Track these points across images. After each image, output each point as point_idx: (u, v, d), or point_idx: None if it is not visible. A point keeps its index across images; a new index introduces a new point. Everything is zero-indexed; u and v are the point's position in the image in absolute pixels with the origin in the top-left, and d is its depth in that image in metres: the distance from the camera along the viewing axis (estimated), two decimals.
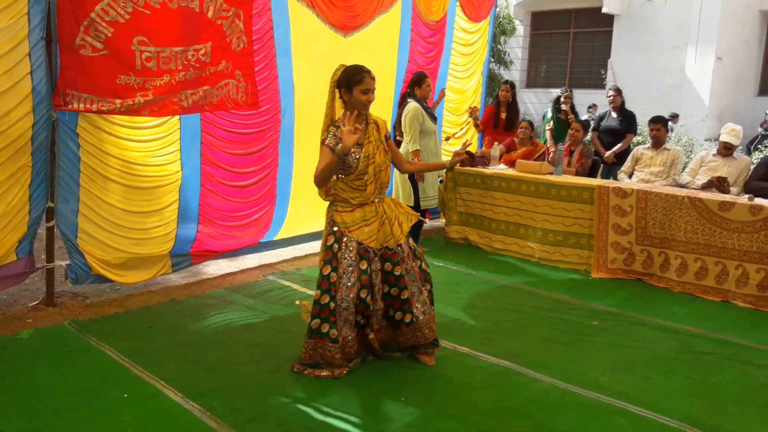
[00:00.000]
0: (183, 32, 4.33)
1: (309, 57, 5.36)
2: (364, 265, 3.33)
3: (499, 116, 7.02)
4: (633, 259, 5.30)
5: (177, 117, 4.53)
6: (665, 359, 3.72)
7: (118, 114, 4.16)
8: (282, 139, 5.31)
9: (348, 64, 3.36)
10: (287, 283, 4.92)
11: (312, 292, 4.61)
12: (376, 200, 3.41)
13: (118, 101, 4.09)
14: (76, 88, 3.98)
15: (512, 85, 7.11)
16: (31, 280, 4.42)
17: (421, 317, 3.48)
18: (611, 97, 7.17)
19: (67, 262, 4.25)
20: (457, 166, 6.34)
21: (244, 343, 3.74)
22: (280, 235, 5.60)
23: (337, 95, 3.37)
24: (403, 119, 5.58)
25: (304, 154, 5.39)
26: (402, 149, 5.38)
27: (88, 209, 4.22)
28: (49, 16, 3.85)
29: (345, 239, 3.32)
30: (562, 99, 7.16)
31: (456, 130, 7.41)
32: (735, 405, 3.18)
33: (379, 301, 3.44)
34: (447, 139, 7.21)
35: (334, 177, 3.40)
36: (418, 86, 5.61)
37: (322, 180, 3.30)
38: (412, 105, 5.55)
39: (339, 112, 3.39)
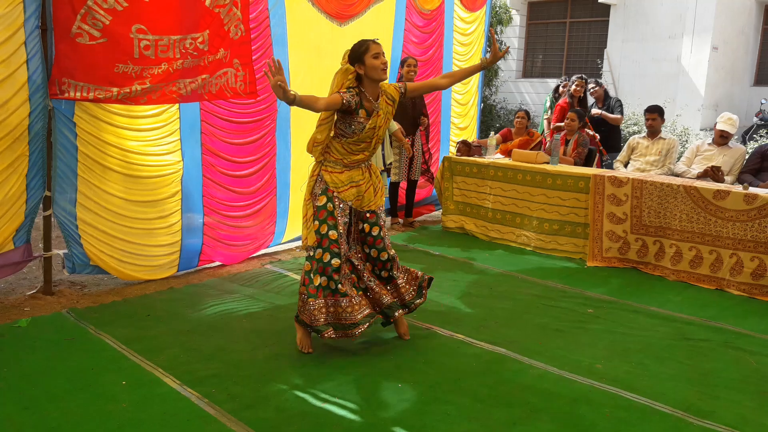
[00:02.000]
0: (181, 20, 4.31)
1: (305, 46, 5.35)
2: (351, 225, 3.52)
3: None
4: (628, 248, 5.33)
5: (176, 106, 4.52)
6: (659, 346, 3.76)
7: (115, 102, 4.15)
8: (279, 128, 5.31)
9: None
10: (284, 272, 4.94)
11: None
12: (364, 165, 3.55)
13: (115, 89, 4.08)
14: (73, 76, 3.97)
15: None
16: (28, 269, 4.43)
17: (401, 277, 3.68)
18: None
19: (65, 251, 4.26)
20: (454, 155, 6.43)
21: (242, 331, 3.76)
22: (289, 231, 5.62)
23: (348, 74, 3.40)
24: None
25: (302, 144, 5.39)
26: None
27: (87, 199, 4.22)
28: (44, 4, 3.84)
29: (336, 199, 3.43)
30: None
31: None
32: (728, 390, 3.22)
33: (362, 261, 3.60)
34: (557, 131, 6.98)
35: (332, 134, 3.48)
36: (401, 66, 5.67)
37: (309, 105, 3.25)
38: None
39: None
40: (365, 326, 3.42)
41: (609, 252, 5.42)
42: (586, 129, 6.56)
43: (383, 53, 3.40)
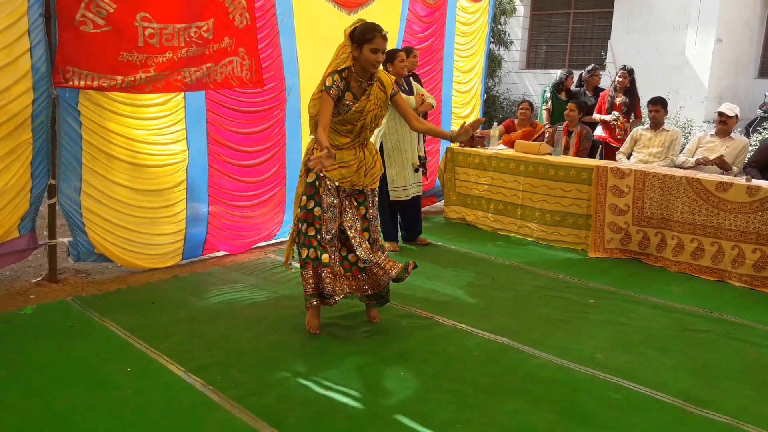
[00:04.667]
0: (185, 8, 4.31)
1: (313, 34, 5.33)
2: (339, 204, 3.53)
3: (614, 101, 6.84)
4: (629, 239, 5.34)
5: (181, 95, 4.52)
6: (660, 336, 3.78)
7: (119, 91, 4.15)
8: (289, 119, 5.29)
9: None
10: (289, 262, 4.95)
11: None
12: (357, 146, 3.56)
13: (119, 78, 4.08)
14: (77, 65, 3.97)
15: (630, 71, 6.87)
16: (34, 257, 4.45)
17: (379, 263, 3.56)
18: (620, 78, 6.99)
19: (70, 239, 4.28)
20: (457, 146, 6.42)
21: (246, 319, 3.79)
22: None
23: (345, 52, 3.42)
24: None
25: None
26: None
27: (91, 187, 4.23)
28: None
29: (325, 178, 3.46)
30: (618, 79, 6.87)
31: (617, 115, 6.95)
32: (728, 381, 3.24)
33: (362, 239, 3.58)
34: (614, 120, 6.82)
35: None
36: (390, 63, 5.13)
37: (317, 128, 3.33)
38: None
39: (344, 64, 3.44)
40: (341, 297, 3.53)
41: (611, 243, 5.43)
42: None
43: (383, 51, 3.39)
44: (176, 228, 4.69)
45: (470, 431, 2.67)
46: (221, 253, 5.07)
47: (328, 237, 3.47)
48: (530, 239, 5.87)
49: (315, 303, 3.52)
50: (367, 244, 3.58)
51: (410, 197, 5.36)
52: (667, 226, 5.14)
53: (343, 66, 3.42)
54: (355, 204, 3.63)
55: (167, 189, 4.59)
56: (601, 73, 7.62)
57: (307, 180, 3.51)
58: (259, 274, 4.65)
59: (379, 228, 3.77)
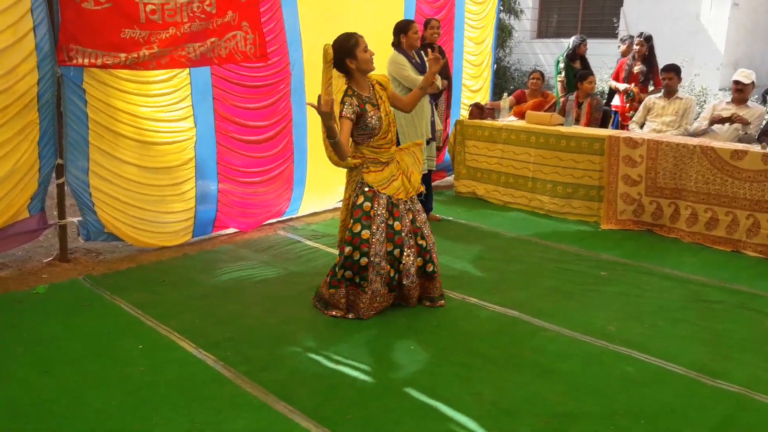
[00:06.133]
0: None
1: (315, 7, 5.25)
2: (391, 221, 3.49)
3: (632, 70, 6.70)
4: (642, 210, 5.28)
5: (186, 71, 4.49)
6: (673, 308, 3.74)
7: (123, 68, 4.13)
8: (293, 92, 5.24)
9: (328, 44, 3.34)
10: (297, 238, 4.95)
11: (319, 245, 4.69)
12: (395, 155, 3.58)
13: (123, 55, 4.06)
14: (80, 42, 3.95)
15: (647, 39, 6.64)
16: (45, 237, 4.48)
17: (437, 269, 3.65)
18: (638, 47, 6.87)
19: (79, 218, 4.29)
20: (466, 118, 6.34)
21: (256, 296, 3.80)
22: (305, 201, 5.59)
23: (336, 73, 3.39)
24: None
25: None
26: None
27: (99, 166, 4.23)
28: None
29: (377, 197, 3.43)
30: (636, 48, 6.71)
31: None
32: (742, 352, 3.21)
33: (415, 256, 3.57)
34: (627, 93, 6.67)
35: (352, 143, 3.47)
36: (403, 33, 4.94)
37: (342, 154, 3.31)
38: (391, 55, 4.98)
39: (336, 86, 3.42)
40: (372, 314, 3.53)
41: (623, 214, 5.37)
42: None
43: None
44: (186, 206, 4.69)
45: (480, 404, 2.67)
46: (231, 230, 5.07)
47: (376, 260, 3.43)
48: (541, 212, 5.82)
49: (338, 315, 3.50)
50: (414, 269, 3.57)
51: (425, 171, 5.14)
52: (681, 196, 5.07)
53: (344, 88, 3.40)
54: (405, 214, 3.55)
55: (175, 167, 4.58)
56: (589, 42, 7.41)
57: (356, 203, 3.46)
58: (268, 251, 4.65)
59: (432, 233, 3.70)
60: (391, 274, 3.52)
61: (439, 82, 5.20)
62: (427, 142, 5.19)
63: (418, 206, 3.63)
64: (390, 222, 3.49)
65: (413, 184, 3.61)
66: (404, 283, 3.54)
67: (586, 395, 2.76)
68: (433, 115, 5.25)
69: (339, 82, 3.42)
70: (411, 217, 3.57)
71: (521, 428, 2.51)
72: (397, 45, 5.00)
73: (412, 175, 3.63)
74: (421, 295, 3.69)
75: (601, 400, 2.73)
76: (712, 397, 2.77)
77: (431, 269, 3.61)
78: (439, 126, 5.46)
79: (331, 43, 3.35)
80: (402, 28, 4.93)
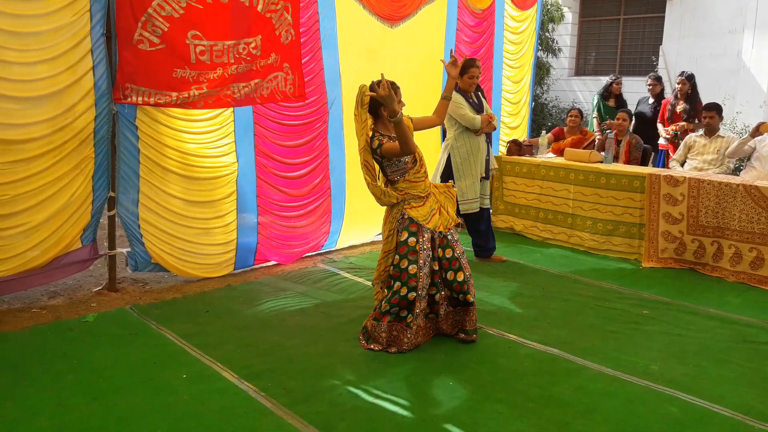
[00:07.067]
0: (234, 26, 4.45)
1: (355, 48, 5.42)
2: (437, 252, 3.58)
3: (675, 110, 6.71)
4: (684, 249, 5.20)
5: (231, 109, 4.66)
6: (718, 348, 3.67)
7: (174, 107, 4.31)
8: (331, 130, 5.38)
9: (365, 85, 3.47)
10: (336, 271, 5.02)
11: (357, 278, 4.74)
12: (430, 189, 3.66)
13: (174, 94, 4.24)
14: (135, 81, 4.14)
15: (690, 77, 6.67)
16: (94, 267, 4.63)
17: (473, 300, 3.68)
18: (650, 86, 7.04)
19: (128, 249, 4.44)
20: (505, 155, 6.37)
21: (296, 327, 3.85)
22: (343, 234, 5.69)
23: (369, 118, 3.54)
24: None
25: (355, 146, 5.45)
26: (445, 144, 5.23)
27: (148, 199, 4.39)
28: (108, 12, 4.02)
29: (421, 232, 3.51)
30: (678, 86, 6.75)
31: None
32: None
33: (443, 287, 3.64)
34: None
35: (389, 183, 3.58)
36: (460, 77, 5.05)
37: (408, 138, 3.38)
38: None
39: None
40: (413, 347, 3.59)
41: (665, 253, 5.30)
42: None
43: None
44: (228, 238, 4.81)
45: None
46: (272, 263, 5.17)
47: (422, 293, 3.52)
48: (581, 249, 5.77)
49: (377, 349, 3.56)
50: (452, 310, 3.70)
51: (479, 209, 5.19)
52: (724, 234, 4.99)
53: (371, 133, 3.53)
54: (441, 250, 3.61)
55: (218, 200, 4.72)
56: (623, 80, 7.45)
57: (400, 239, 3.54)
58: (308, 283, 4.73)
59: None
60: (426, 311, 3.60)
61: (495, 122, 5.21)
62: (481, 180, 5.18)
63: (456, 237, 3.70)
64: (435, 254, 3.58)
65: (451, 216, 3.68)
66: (440, 312, 3.64)
67: None
68: (488, 154, 5.25)
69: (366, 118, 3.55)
70: (438, 252, 3.61)
71: None
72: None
73: (448, 208, 3.70)
74: (456, 328, 3.71)
75: None
76: None
77: (470, 299, 3.64)
78: (494, 164, 5.49)
79: (369, 85, 3.44)
80: (461, 70, 4.94)
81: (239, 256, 4.90)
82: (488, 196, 5.36)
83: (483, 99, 5.26)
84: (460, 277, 3.61)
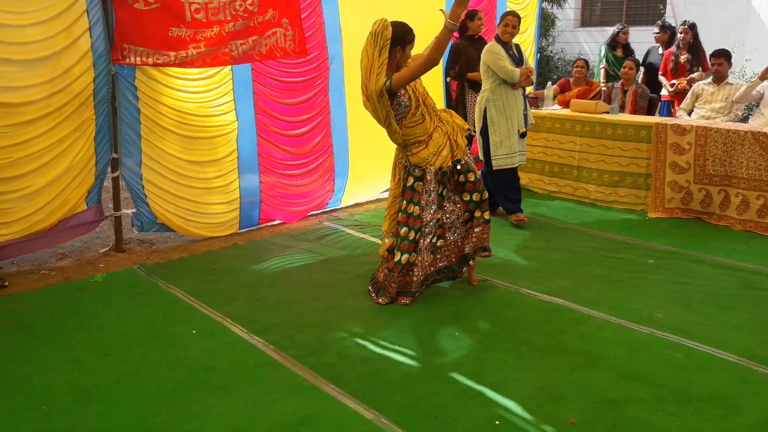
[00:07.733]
0: None
1: (356, 1, 5.31)
2: (439, 189, 3.61)
3: (678, 60, 6.58)
4: (691, 198, 5.17)
5: (229, 68, 4.60)
6: (723, 295, 3.68)
7: (172, 66, 4.26)
8: (332, 87, 5.32)
9: (390, 20, 3.33)
10: (341, 228, 5.03)
11: (363, 235, 4.75)
12: (437, 123, 3.60)
13: (172, 53, 4.19)
14: (132, 42, 4.09)
15: (692, 26, 6.53)
16: (101, 229, 4.67)
17: (489, 219, 3.80)
18: (656, 34, 6.87)
19: (133, 210, 4.46)
20: None
21: (303, 283, 3.89)
22: (348, 192, 5.68)
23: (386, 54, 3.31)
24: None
25: (357, 102, 5.39)
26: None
27: (151, 160, 4.39)
28: None
29: (426, 174, 3.52)
30: (680, 36, 6.60)
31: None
32: None
33: (458, 213, 3.71)
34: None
35: (396, 127, 3.49)
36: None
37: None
38: (488, 45, 4.91)
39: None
40: (418, 294, 3.62)
41: (671, 203, 5.27)
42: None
43: None
44: (230, 197, 4.81)
45: (526, 389, 2.69)
46: (277, 221, 5.18)
47: (426, 230, 3.56)
48: (587, 201, 5.76)
49: (384, 302, 3.58)
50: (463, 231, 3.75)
51: (516, 165, 5.03)
52: (731, 183, 4.96)
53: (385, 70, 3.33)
54: (463, 176, 3.64)
55: (220, 159, 4.71)
56: (629, 30, 7.28)
57: (406, 185, 3.57)
58: (314, 241, 4.75)
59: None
60: (434, 240, 3.61)
61: (534, 76, 5.02)
62: (521, 136, 5.01)
63: (472, 164, 3.71)
64: (440, 191, 3.61)
65: (461, 146, 3.67)
66: (448, 236, 3.68)
67: (634, 381, 2.75)
68: (525, 108, 5.07)
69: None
70: (458, 178, 3.65)
71: (568, 413, 2.52)
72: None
73: (458, 138, 3.68)
74: (476, 249, 3.76)
75: (649, 386, 2.71)
76: (765, 384, 2.73)
77: (488, 217, 3.76)
78: (531, 120, 5.29)
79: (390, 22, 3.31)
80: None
81: (243, 215, 4.92)
82: (525, 152, 5.14)
83: (522, 52, 5.07)
84: (485, 196, 3.72)
